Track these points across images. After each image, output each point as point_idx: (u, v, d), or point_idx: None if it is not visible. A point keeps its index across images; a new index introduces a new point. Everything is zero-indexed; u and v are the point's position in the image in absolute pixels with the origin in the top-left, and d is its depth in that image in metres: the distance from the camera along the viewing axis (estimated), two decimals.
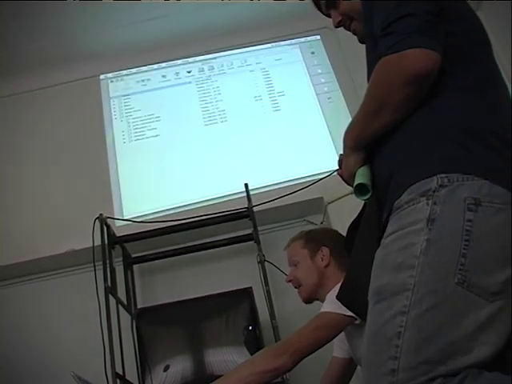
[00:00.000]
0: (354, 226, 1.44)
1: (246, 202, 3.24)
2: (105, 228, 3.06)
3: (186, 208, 3.53)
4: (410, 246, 1.10)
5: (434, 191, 1.12)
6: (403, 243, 1.12)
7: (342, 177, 1.46)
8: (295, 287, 2.16)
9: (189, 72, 4.10)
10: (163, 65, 4.14)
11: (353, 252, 1.41)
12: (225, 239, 3.38)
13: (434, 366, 1.02)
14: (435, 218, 1.10)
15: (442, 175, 1.12)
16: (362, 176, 1.34)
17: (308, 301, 2.14)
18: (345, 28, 1.56)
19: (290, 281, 2.17)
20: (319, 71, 4.09)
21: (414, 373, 1.02)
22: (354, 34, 1.54)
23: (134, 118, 3.92)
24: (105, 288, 2.86)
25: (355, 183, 1.35)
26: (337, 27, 1.57)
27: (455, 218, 1.09)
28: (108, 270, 2.94)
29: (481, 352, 1.03)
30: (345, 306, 1.52)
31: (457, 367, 1.02)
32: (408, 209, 1.15)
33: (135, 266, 3.43)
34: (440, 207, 1.10)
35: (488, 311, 1.05)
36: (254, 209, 3.20)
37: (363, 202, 1.39)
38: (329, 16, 1.59)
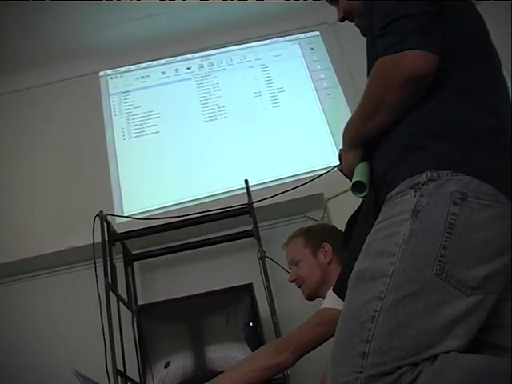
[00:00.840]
0: (352, 220, 1.45)
1: (246, 198, 3.24)
2: (105, 225, 3.06)
3: (186, 204, 3.53)
4: (394, 235, 1.13)
5: (422, 184, 1.14)
6: (387, 232, 1.15)
7: (342, 171, 1.47)
8: (298, 286, 2.16)
9: (188, 68, 4.10)
10: (162, 61, 4.13)
11: (350, 246, 1.42)
12: (225, 235, 3.38)
13: (404, 353, 1.03)
14: (420, 210, 1.12)
15: (433, 171, 1.14)
16: (359, 173, 1.35)
17: (311, 298, 2.14)
18: (349, 21, 1.59)
19: (293, 280, 2.17)
20: (319, 67, 4.09)
21: (384, 358, 1.04)
22: (357, 26, 1.56)
23: (133, 115, 3.92)
24: (105, 285, 2.87)
25: (352, 181, 1.36)
26: (341, 21, 1.60)
27: (440, 210, 1.11)
28: (108, 266, 2.94)
29: (451, 344, 1.05)
30: (340, 297, 1.52)
31: (427, 356, 1.03)
32: (396, 200, 1.18)
33: (136, 263, 3.43)
34: (426, 199, 1.12)
35: (465, 305, 1.07)
36: (255, 205, 3.21)
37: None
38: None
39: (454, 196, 1.11)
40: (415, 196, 1.14)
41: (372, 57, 1.28)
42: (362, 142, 1.34)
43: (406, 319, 1.05)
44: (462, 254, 1.08)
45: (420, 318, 1.05)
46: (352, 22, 1.58)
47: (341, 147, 1.44)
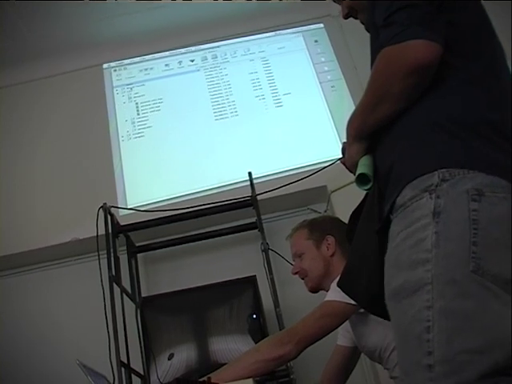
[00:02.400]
0: (355, 215, 1.44)
1: (250, 190, 3.24)
2: (109, 217, 3.05)
3: (189, 197, 3.53)
4: (421, 242, 1.10)
5: (436, 186, 1.12)
6: (413, 240, 1.12)
7: (345, 165, 1.46)
8: (302, 278, 2.17)
9: (192, 61, 4.09)
10: (166, 53, 4.12)
11: (354, 240, 1.41)
12: (229, 228, 3.39)
13: (470, 355, 1.01)
14: (440, 211, 1.10)
15: (443, 170, 1.13)
16: (363, 166, 1.35)
17: (314, 290, 2.14)
18: (354, 18, 1.58)
19: (296, 273, 2.17)
20: (322, 59, 4.07)
21: (452, 365, 1.02)
22: (362, 23, 1.55)
23: (137, 108, 3.92)
24: (109, 277, 2.86)
25: (356, 173, 1.35)
26: (345, 18, 1.59)
27: (460, 208, 1.09)
28: (112, 258, 2.94)
29: (510, 342, 1.02)
30: (345, 293, 1.52)
31: (494, 359, 1.01)
32: (412, 206, 1.15)
33: (139, 255, 3.43)
34: (444, 200, 1.11)
35: (504, 299, 1.05)
36: (258, 197, 3.20)
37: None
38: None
39: (470, 193, 1.09)
40: (431, 198, 1.11)
41: (375, 51, 1.27)
42: (365, 134, 1.33)
43: (461, 321, 1.03)
44: (492, 248, 1.07)
45: (474, 317, 1.03)
46: (356, 18, 1.57)
47: (344, 140, 1.42)
